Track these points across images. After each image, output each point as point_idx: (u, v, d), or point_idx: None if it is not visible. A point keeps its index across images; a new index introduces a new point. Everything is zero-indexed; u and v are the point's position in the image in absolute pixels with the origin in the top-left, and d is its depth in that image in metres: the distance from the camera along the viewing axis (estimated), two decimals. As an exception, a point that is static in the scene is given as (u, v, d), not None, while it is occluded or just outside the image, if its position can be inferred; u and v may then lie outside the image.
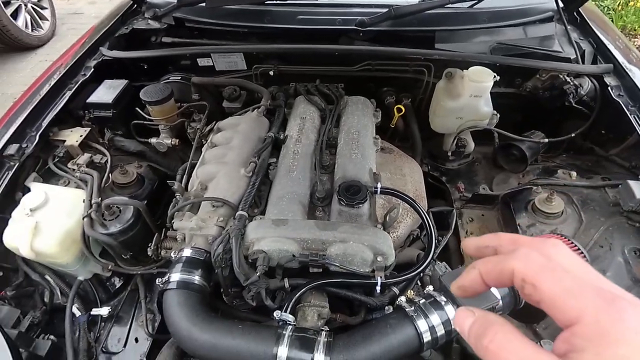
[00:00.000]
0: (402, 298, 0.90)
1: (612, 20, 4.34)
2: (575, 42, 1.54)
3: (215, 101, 1.49)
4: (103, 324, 1.15)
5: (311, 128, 1.28)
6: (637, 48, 3.99)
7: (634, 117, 1.27)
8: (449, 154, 1.60)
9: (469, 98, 1.40)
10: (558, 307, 0.33)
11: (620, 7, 4.48)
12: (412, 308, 0.86)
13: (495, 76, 1.35)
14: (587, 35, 1.61)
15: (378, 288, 0.93)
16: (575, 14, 1.68)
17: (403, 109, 1.52)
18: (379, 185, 1.09)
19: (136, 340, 1.13)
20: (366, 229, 0.96)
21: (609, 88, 1.37)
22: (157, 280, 0.89)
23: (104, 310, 1.14)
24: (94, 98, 1.44)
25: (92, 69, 1.53)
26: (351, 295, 0.96)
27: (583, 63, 1.52)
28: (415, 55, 1.44)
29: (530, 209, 1.27)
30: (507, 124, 1.49)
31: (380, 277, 0.93)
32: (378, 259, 0.94)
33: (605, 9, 4.51)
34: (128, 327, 1.15)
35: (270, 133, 1.21)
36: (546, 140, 1.46)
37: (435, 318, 0.84)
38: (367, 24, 1.48)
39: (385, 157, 1.43)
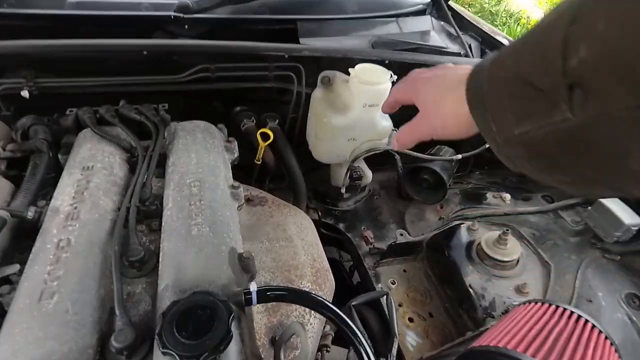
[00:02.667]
0: None
1: None
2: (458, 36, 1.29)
3: None
4: None
5: (105, 186, 0.66)
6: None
7: None
8: (343, 190, 1.15)
9: (362, 109, 0.97)
10: None
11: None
12: None
13: (391, 75, 0.95)
14: (465, 29, 1.38)
15: None
16: (446, 7, 1.45)
17: (271, 134, 1.01)
18: (253, 287, 0.53)
19: None
20: None
21: None
22: None
23: None
24: None
25: None
26: None
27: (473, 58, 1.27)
28: (276, 53, 0.95)
29: (475, 256, 0.88)
30: None
31: None
32: None
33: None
34: None
35: (-5, 212, 0.54)
36: (459, 156, 1.12)
37: None
38: (194, 9, 0.94)
39: (257, 214, 0.89)
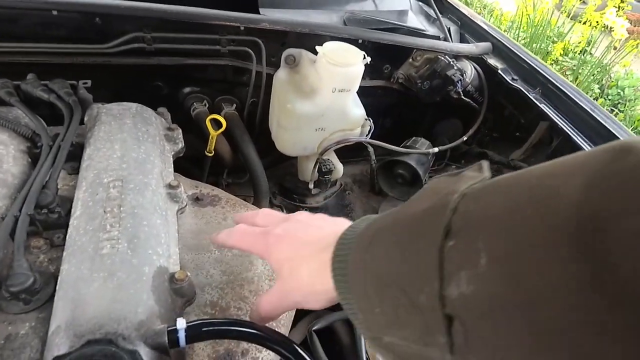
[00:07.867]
0: None
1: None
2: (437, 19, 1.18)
3: None
4: None
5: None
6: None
7: (544, 105, 0.92)
8: (311, 185, 1.02)
9: (331, 95, 0.83)
10: None
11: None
12: None
13: (365, 56, 0.82)
14: (445, 11, 1.27)
15: None
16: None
17: (223, 122, 0.86)
18: (181, 324, 0.39)
19: None
20: None
21: (500, 72, 1.01)
22: None
23: None
24: None
25: None
26: None
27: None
28: (229, 23, 0.80)
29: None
30: (374, 133, 0.98)
31: None
32: None
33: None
34: None
35: None
36: (435, 149, 1.01)
37: None
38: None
39: (206, 216, 0.74)
